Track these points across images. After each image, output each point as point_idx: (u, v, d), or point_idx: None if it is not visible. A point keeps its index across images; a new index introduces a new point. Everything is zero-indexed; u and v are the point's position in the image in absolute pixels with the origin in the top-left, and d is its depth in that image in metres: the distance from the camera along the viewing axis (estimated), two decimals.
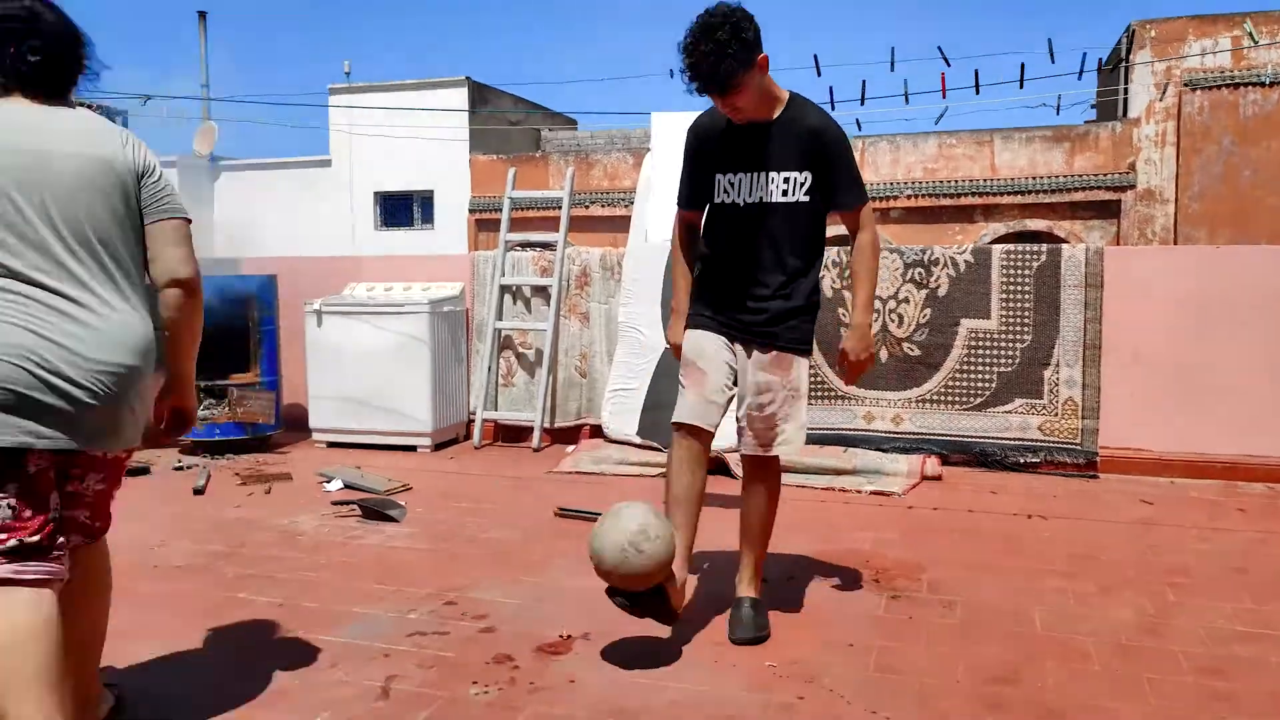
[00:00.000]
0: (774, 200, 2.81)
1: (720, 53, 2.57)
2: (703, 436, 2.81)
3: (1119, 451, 5.04)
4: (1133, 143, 17.72)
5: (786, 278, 2.83)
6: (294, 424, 6.12)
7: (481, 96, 22.41)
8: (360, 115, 21.48)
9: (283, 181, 22.62)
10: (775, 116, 2.80)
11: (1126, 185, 17.66)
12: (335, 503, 4.46)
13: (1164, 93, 17.43)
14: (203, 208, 22.95)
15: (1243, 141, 17.13)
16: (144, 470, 5.21)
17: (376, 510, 4.24)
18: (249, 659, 2.70)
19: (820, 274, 2.99)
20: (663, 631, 2.85)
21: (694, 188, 2.96)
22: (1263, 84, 16.86)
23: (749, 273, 2.85)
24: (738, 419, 2.90)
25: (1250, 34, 16.39)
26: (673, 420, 2.84)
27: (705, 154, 2.91)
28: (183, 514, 4.35)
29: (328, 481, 4.86)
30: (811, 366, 5.42)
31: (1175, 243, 17.46)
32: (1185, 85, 17.33)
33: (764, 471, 2.93)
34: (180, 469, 5.32)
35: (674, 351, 3.05)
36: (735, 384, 2.87)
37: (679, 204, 3.03)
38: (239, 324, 5.80)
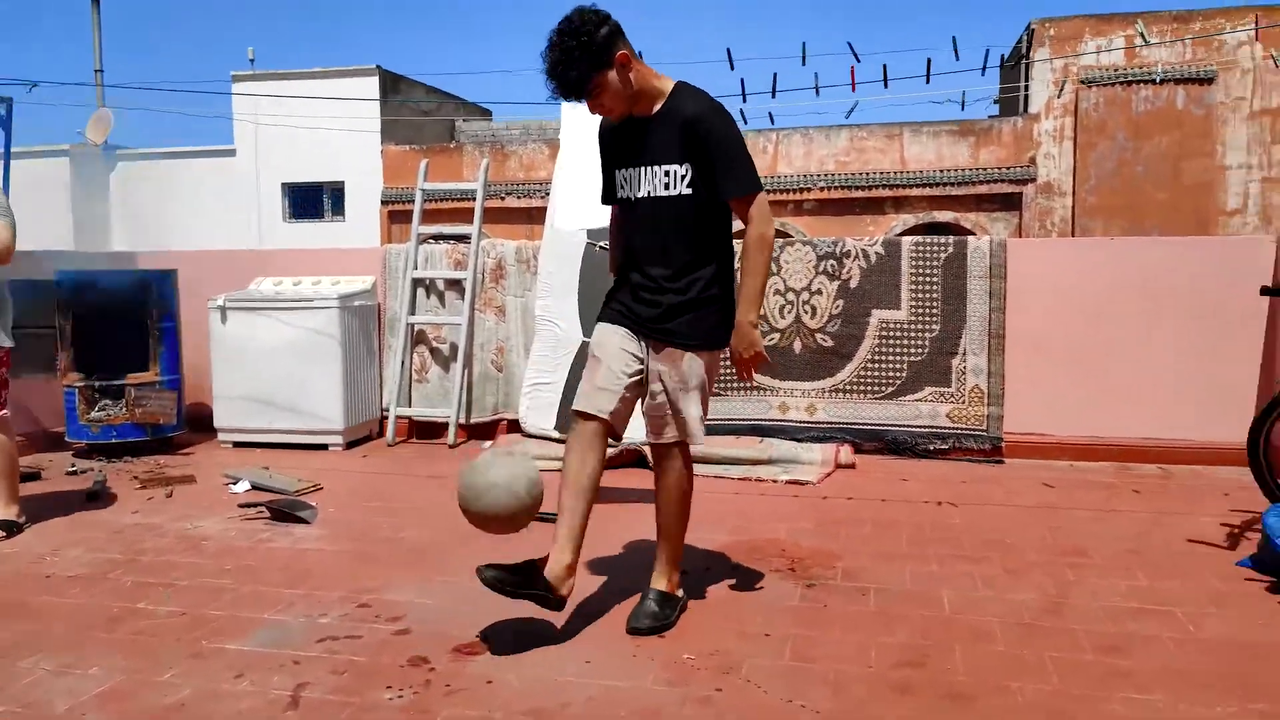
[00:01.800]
0: (659, 194, 2.82)
1: (568, 60, 2.64)
2: (594, 422, 2.81)
3: (1023, 437, 5.22)
4: (1033, 137, 18.36)
5: (675, 271, 2.83)
6: (198, 424, 5.90)
7: (393, 86, 21.96)
8: (267, 104, 20.81)
9: (184, 172, 21.81)
10: (655, 110, 2.81)
11: (1027, 178, 18.30)
12: (242, 505, 4.31)
13: (1061, 89, 18.10)
14: (97, 199, 21.98)
15: (1135, 137, 17.91)
16: (34, 476, 4.95)
17: (286, 511, 4.11)
18: (148, 673, 2.58)
19: (726, 267, 2.89)
20: (578, 630, 2.84)
21: (604, 183, 3.02)
22: (1153, 81, 17.65)
23: (643, 267, 2.88)
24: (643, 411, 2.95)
25: (1141, 34, 17.14)
26: (571, 409, 2.88)
27: (606, 150, 2.98)
28: (77, 521, 4.15)
29: (234, 483, 4.70)
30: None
31: (1073, 234, 18.18)
32: (1081, 82, 18.03)
33: (665, 461, 2.94)
34: (74, 473, 5.08)
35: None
36: (639, 371, 2.88)
37: (601, 199, 3.08)
38: (136, 321, 5.57)
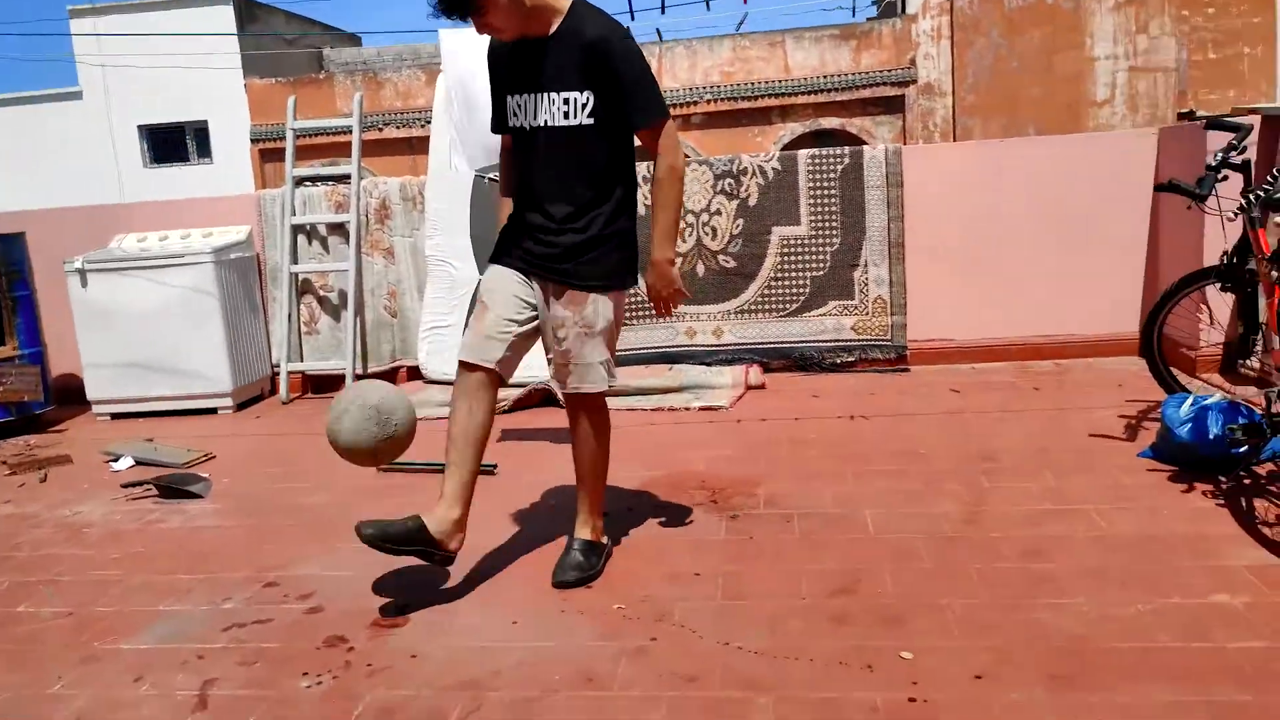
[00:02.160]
0: (556, 124, 2.60)
1: None
2: (480, 372, 2.65)
3: (926, 344, 5.28)
4: (912, 38, 18.45)
5: (576, 209, 2.64)
6: (69, 398, 5.49)
7: (250, 14, 20.56)
8: (112, 43, 19.24)
9: (25, 119, 20.11)
10: (552, 30, 2.57)
11: (909, 80, 18.43)
12: (126, 485, 4.01)
13: None
14: None
15: (1009, 33, 18.18)
16: None
17: (175, 487, 3.85)
18: (34, 686, 2.37)
19: (629, 199, 2.74)
20: (502, 589, 2.73)
21: (494, 110, 2.79)
22: None
23: (538, 204, 2.68)
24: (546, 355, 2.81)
25: None
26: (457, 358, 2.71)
27: (497, 75, 2.74)
28: None
29: (114, 460, 4.38)
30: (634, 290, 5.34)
31: (954, 134, 18.50)
32: None
33: (579, 408, 2.80)
34: None
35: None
36: (532, 317, 2.72)
37: (491, 128, 2.83)
38: None
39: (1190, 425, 3.31)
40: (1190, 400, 3.39)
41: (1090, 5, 18.05)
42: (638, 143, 2.73)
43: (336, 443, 2.74)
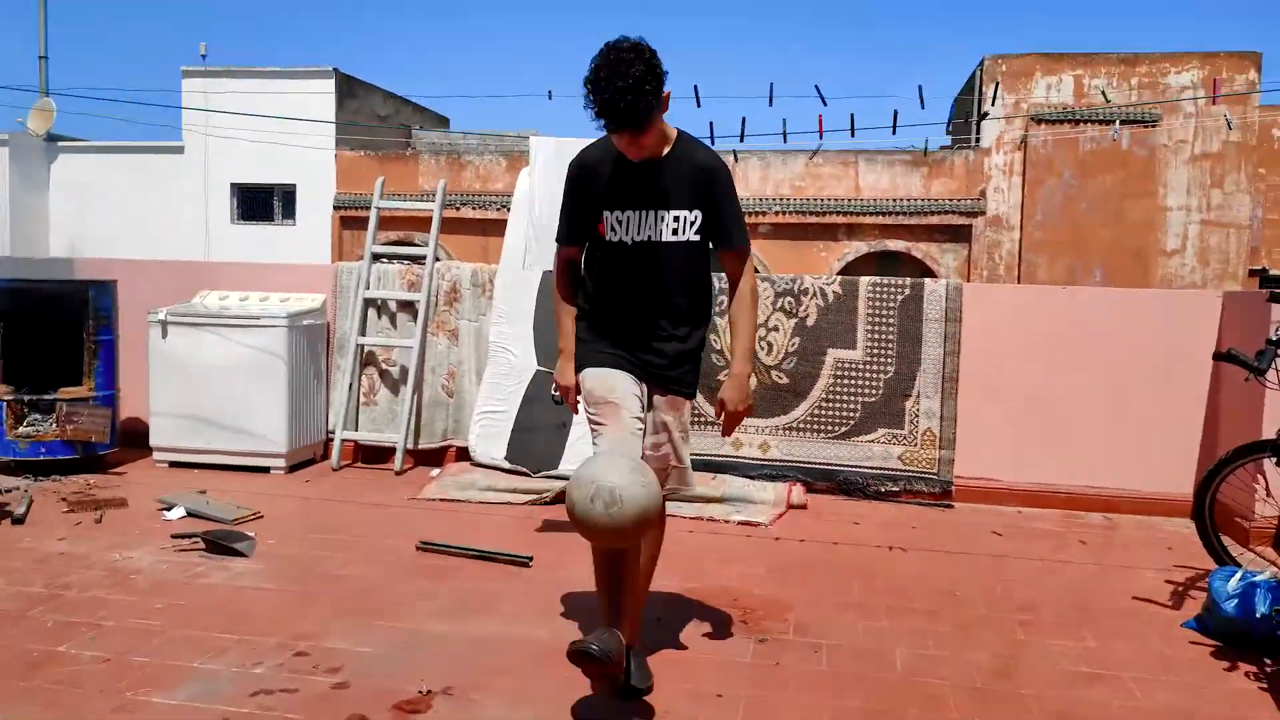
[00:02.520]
0: (664, 239, 2.75)
1: (637, 90, 2.50)
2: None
3: (972, 481, 5.24)
4: (984, 171, 18.71)
5: (678, 320, 2.81)
6: (133, 441, 5.69)
7: (349, 89, 21.64)
8: (218, 102, 20.37)
9: (130, 168, 21.22)
10: (665, 153, 2.75)
11: (977, 211, 18.62)
12: (175, 535, 4.14)
13: (1010, 125, 18.47)
14: (36, 192, 21.32)
15: (1081, 175, 18.35)
16: None
17: (222, 543, 3.96)
18: None
19: (711, 316, 2.96)
20: (529, 683, 2.75)
21: (575, 224, 2.87)
22: (1100, 121, 18.09)
23: (642, 314, 2.79)
24: None
25: (1103, 92, 17.56)
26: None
27: (591, 189, 2.80)
28: None
29: (168, 509, 4.52)
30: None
31: (1019, 268, 18.54)
32: (1031, 119, 18.43)
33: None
34: None
35: (564, 395, 2.94)
36: (644, 409, 2.80)
37: (559, 239, 2.91)
38: (72, 332, 5.35)
39: (1237, 601, 3.25)
40: (1239, 575, 3.33)
41: (1165, 155, 18.18)
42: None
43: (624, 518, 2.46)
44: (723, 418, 2.92)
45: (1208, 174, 18.20)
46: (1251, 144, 18.15)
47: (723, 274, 2.93)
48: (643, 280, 2.78)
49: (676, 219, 2.74)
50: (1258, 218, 19.08)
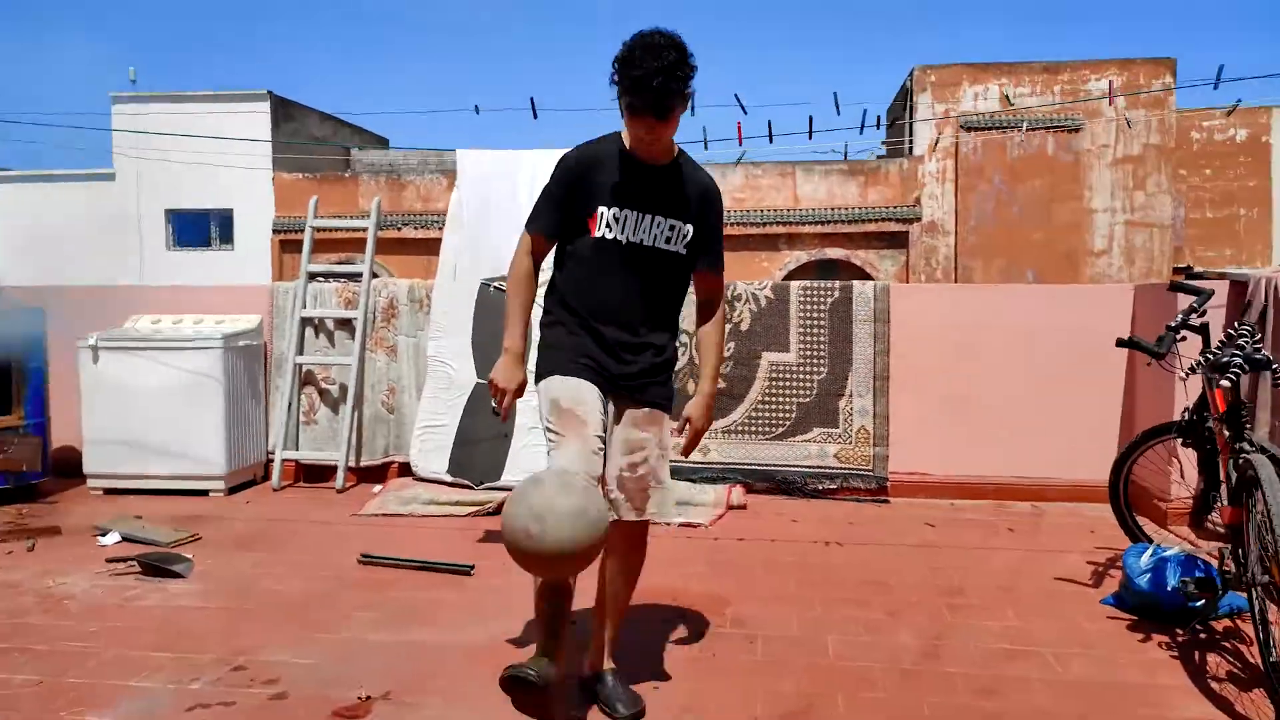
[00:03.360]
0: (655, 245, 2.67)
1: (670, 74, 2.46)
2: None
3: (907, 476, 5.39)
4: (918, 178, 19.16)
5: (656, 328, 2.72)
6: (66, 469, 5.59)
7: (285, 113, 21.45)
8: (149, 126, 20.04)
9: (60, 196, 20.76)
10: (669, 162, 2.70)
11: (913, 218, 19.05)
12: (110, 560, 4.09)
13: (941, 134, 18.96)
14: None
15: (1011, 180, 18.88)
16: None
17: (158, 565, 3.92)
18: None
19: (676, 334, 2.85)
20: (466, 686, 2.79)
21: (560, 215, 2.70)
22: (1023, 128, 18.64)
23: (623, 318, 2.67)
24: (606, 480, 2.65)
25: (1008, 96, 18.11)
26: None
27: (588, 183, 2.66)
28: None
29: (103, 535, 4.46)
30: None
31: (955, 272, 18.99)
32: (961, 127, 18.93)
33: (637, 538, 2.74)
34: None
35: (500, 397, 2.68)
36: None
37: (533, 228, 2.73)
38: None
39: (1149, 575, 3.40)
40: (1150, 551, 3.49)
41: (1089, 160, 18.79)
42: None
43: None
44: (685, 435, 2.82)
45: (1130, 176, 18.84)
46: (1170, 146, 18.84)
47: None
48: (628, 283, 2.66)
49: (673, 228, 2.68)
50: (1179, 217, 19.81)
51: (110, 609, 3.51)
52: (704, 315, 2.88)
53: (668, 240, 2.68)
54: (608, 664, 2.76)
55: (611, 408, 2.67)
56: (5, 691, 2.78)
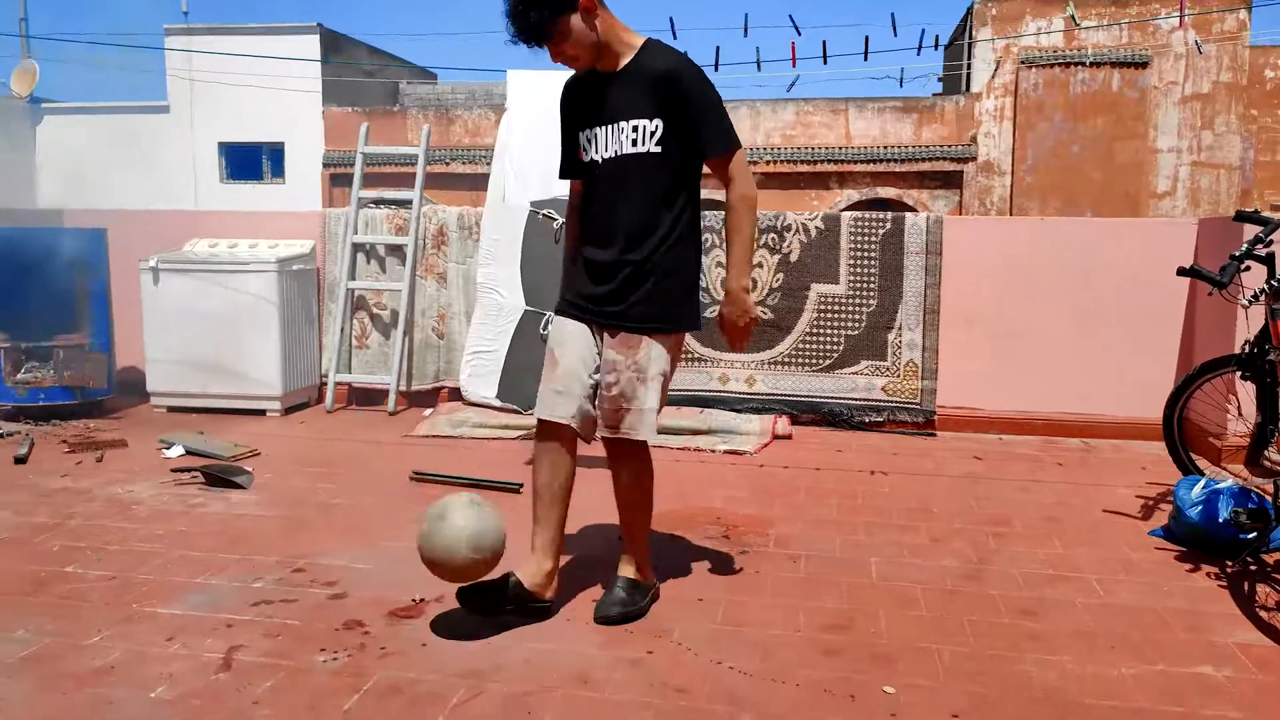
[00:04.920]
0: (624, 152, 2.63)
1: (530, 1, 2.50)
2: (554, 427, 2.68)
3: (954, 411, 5.36)
4: (974, 116, 18.65)
5: (633, 239, 2.63)
6: (130, 388, 5.78)
7: (335, 45, 21.44)
8: (202, 60, 20.18)
9: (115, 128, 21.07)
10: (623, 65, 2.65)
11: (968, 157, 18.60)
12: (175, 470, 4.25)
13: (1000, 69, 18.38)
14: (22, 153, 21.15)
15: (1072, 118, 18.30)
16: None
17: (221, 476, 4.07)
18: (76, 636, 2.56)
19: (691, 234, 2.72)
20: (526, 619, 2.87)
21: (565, 151, 2.82)
22: (1090, 64, 18.01)
23: (601, 238, 2.69)
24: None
25: (1073, 16, 17.42)
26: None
27: (567, 113, 2.78)
28: (2, 484, 4.05)
29: (167, 448, 4.62)
30: None
31: (1011, 213, 18.56)
32: (1022, 63, 18.34)
33: (621, 454, 2.76)
34: (0, 436, 4.95)
35: None
36: (599, 369, 2.71)
37: (562, 175, 2.86)
38: (64, 281, 5.41)
39: (1201, 508, 3.37)
40: (1203, 483, 3.45)
41: (1155, 97, 18.13)
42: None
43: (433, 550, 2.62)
44: (724, 334, 2.80)
45: (1198, 115, 18.17)
46: (1242, 84, 18.10)
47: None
48: (607, 197, 2.67)
49: (635, 128, 2.61)
50: (1249, 159, 19.08)
51: (176, 514, 3.66)
52: (727, 205, 2.72)
53: (634, 144, 2.62)
54: (620, 569, 2.83)
55: (603, 333, 2.71)
56: (82, 584, 2.93)
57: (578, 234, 2.81)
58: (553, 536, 2.72)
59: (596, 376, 2.70)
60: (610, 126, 2.65)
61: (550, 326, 2.81)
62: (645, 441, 2.74)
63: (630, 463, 2.78)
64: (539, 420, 2.71)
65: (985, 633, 2.68)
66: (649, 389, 2.67)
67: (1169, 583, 3.10)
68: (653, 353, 2.67)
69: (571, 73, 2.79)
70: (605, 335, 2.69)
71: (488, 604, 2.61)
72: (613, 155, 2.66)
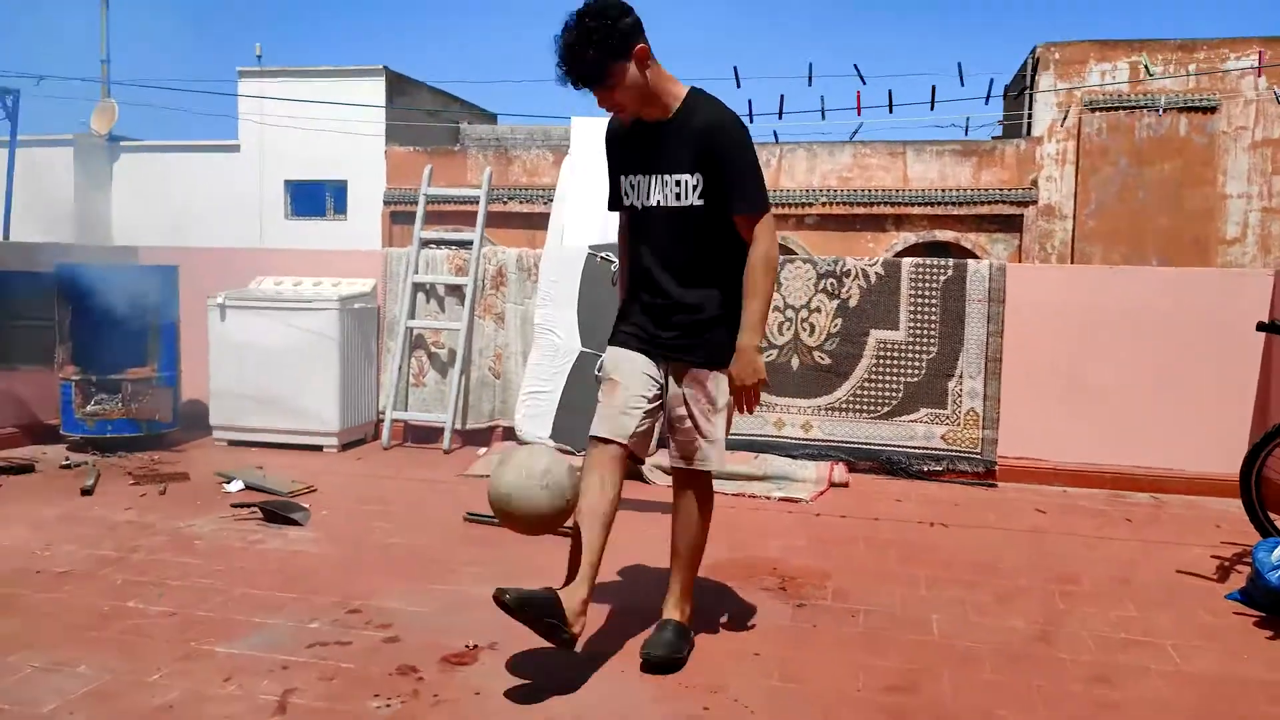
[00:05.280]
0: (670, 204, 2.70)
1: (587, 41, 2.50)
2: (612, 448, 2.70)
3: (1016, 461, 5.23)
4: (1035, 160, 18.42)
5: (687, 287, 2.71)
6: (193, 421, 5.90)
7: (399, 87, 21.99)
8: (273, 101, 20.83)
9: (188, 166, 21.81)
10: (670, 115, 2.68)
11: (1029, 200, 18.34)
12: (235, 505, 4.31)
13: (1066, 113, 18.17)
14: (99, 190, 21.99)
15: (1137, 163, 17.98)
16: (28, 469, 4.95)
17: (279, 513, 4.11)
18: (137, 673, 2.58)
19: (739, 284, 2.72)
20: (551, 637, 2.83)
21: (611, 190, 2.90)
22: (1156, 109, 17.72)
23: (655, 283, 2.75)
24: (665, 431, 2.85)
25: (1146, 66, 17.20)
26: (589, 434, 2.75)
27: (613, 156, 2.86)
28: (69, 516, 4.14)
29: (227, 482, 4.69)
30: None
31: (1072, 258, 18.23)
32: (1085, 107, 18.10)
33: (690, 487, 2.82)
34: (68, 467, 5.07)
35: None
36: (658, 396, 2.77)
37: (611, 207, 2.94)
38: (135, 316, 5.56)
39: None
40: None
41: (1224, 142, 17.75)
42: None
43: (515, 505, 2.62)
44: (734, 392, 2.76)
45: (1269, 161, 17.72)
46: None
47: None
48: (652, 246, 2.74)
49: (678, 183, 2.67)
50: None
51: (235, 550, 3.70)
52: (749, 264, 2.70)
53: (677, 197, 2.69)
54: (667, 612, 2.83)
55: (662, 370, 2.78)
56: (144, 620, 2.96)
57: (630, 270, 2.90)
58: (592, 561, 2.64)
59: (654, 403, 2.77)
60: (654, 177, 2.72)
61: (605, 355, 2.84)
62: (710, 477, 2.84)
63: (697, 494, 2.84)
64: (592, 439, 2.73)
65: (1056, 700, 2.57)
66: (718, 420, 2.78)
67: (1249, 650, 2.96)
68: (720, 385, 2.76)
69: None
70: (672, 372, 2.77)
71: (531, 610, 2.50)
72: (656, 205, 2.73)
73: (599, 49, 2.51)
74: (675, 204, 2.70)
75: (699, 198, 2.67)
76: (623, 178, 2.81)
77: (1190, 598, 3.43)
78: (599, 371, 2.94)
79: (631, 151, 2.77)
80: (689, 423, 2.75)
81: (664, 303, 2.74)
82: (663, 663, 2.66)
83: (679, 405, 2.76)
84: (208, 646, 2.77)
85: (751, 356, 2.71)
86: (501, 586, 2.52)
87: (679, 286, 2.72)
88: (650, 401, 2.76)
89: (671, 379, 2.77)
